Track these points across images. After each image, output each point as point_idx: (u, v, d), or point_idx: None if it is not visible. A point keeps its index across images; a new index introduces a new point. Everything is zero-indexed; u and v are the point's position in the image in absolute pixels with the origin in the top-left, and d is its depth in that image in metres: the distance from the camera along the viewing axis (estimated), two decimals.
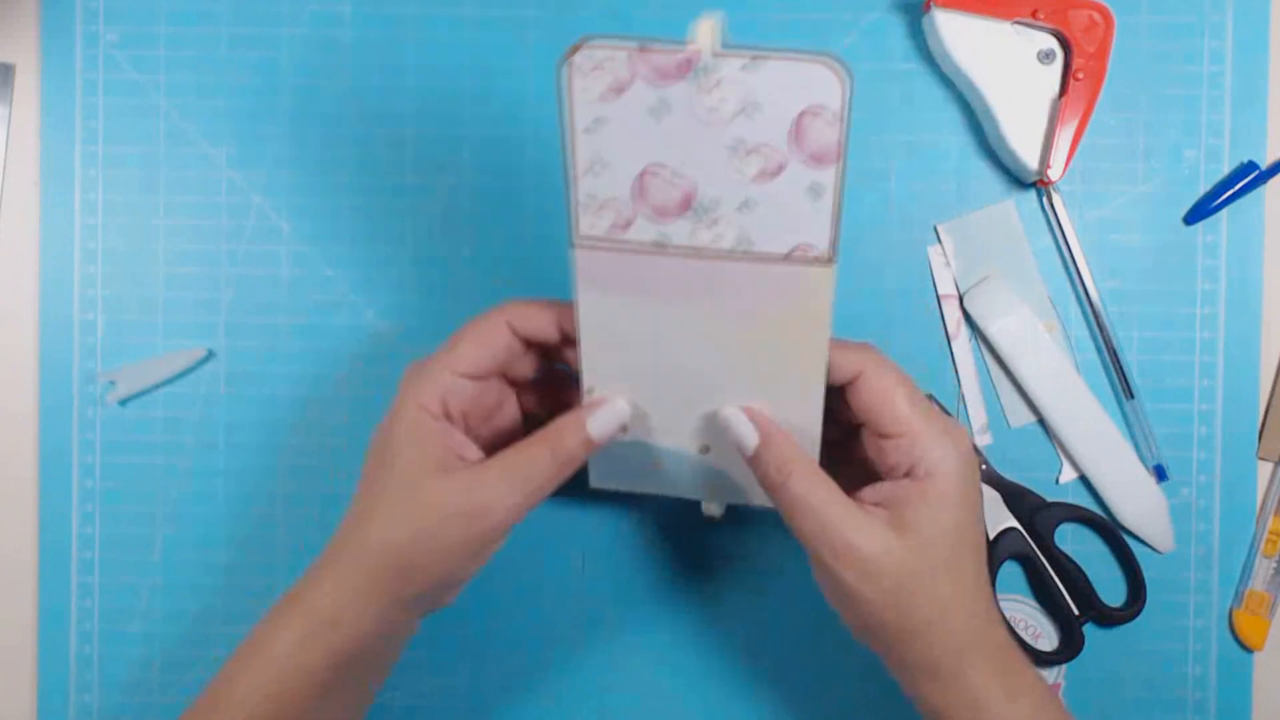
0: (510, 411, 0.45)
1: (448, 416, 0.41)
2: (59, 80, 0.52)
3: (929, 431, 0.40)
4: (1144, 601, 0.51)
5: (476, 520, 0.40)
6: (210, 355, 0.52)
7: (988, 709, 0.40)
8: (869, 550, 0.39)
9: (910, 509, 0.40)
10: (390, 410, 0.41)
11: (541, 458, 0.40)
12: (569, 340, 0.42)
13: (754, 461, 0.41)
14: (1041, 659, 0.51)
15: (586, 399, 0.42)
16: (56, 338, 0.52)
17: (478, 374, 0.41)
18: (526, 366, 0.44)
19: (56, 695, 0.52)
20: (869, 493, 0.41)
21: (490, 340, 0.41)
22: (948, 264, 0.52)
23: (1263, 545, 0.52)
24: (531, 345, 0.43)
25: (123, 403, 0.52)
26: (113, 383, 0.52)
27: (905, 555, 0.39)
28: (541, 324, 0.42)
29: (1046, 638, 0.52)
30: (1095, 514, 0.52)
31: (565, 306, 0.41)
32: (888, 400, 0.41)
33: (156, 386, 0.52)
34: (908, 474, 0.41)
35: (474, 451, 0.42)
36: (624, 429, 0.42)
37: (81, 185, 0.52)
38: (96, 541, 0.52)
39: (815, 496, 0.40)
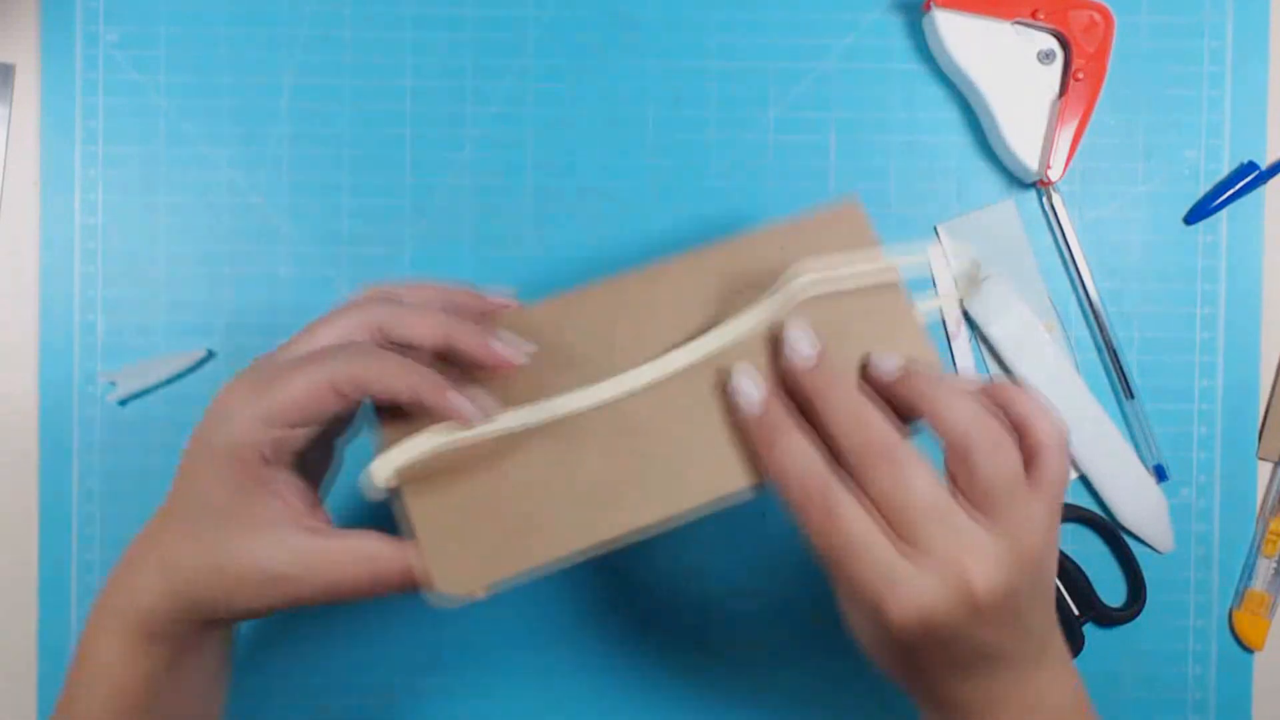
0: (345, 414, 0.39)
1: (271, 460, 0.37)
2: (59, 80, 0.52)
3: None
4: (1144, 601, 0.51)
5: (282, 590, 0.37)
6: (210, 355, 0.52)
7: None
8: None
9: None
10: (203, 438, 0.37)
11: (358, 574, 0.37)
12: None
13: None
14: None
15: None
16: (56, 338, 0.52)
17: (299, 425, 0.37)
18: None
19: (56, 695, 0.52)
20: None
21: (313, 401, 0.36)
22: (948, 264, 0.52)
23: (1263, 545, 0.52)
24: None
25: (123, 403, 0.52)
26: (113, 383, 0.52)
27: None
28: (378, 389, 0.36)
29: None
30: (1095, 514, 0.52)
31: (398, 372, 0.36)
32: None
33: (156, 386, 0.52)
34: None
35: (291, 489, 0.38)
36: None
37: (81, 185, 0.52)
38: (96, 541, 0.52)
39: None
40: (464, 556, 0.37)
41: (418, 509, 0.38)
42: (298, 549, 0.37)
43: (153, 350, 0.52)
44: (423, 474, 0.38)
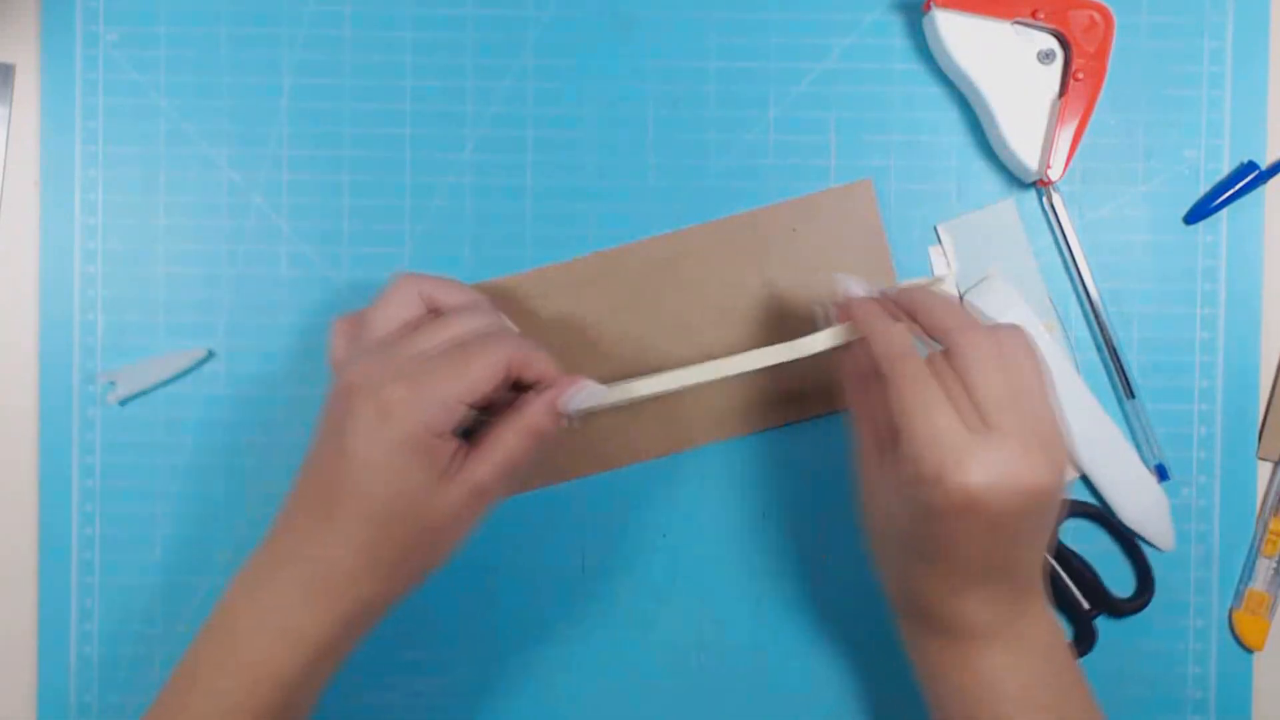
0: None
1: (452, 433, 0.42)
2: (59, 80, 0.52)
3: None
4: (1153, 590, 0.51)
5: (478, 502, 0.42)
6: (210, 355, 0.52)
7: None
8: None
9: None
10: (379, 432, 0.40)
11: (521, 443, 0.43)
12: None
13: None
14: None
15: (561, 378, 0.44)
16: (56, 338, 0.52)
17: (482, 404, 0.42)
18: None
19: (56, 695, 0.52)
20: None
21: (494, 382, 0.42)
22: (948, 264, 0.52)
23: (1263, 545, 0.52)
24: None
25: (123, 403, 0.52)
26: (113, 383, 0.52)
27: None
28: (537, 371, 0.43)
29: None
30: (1096, 507, 0.52)
31: (536, 356, 0.43)
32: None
33: (156, 386, 0.52)
34: None
35: (457, 445, 0.42)
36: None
37: (81, 185, 0.52)
38: (96, 541, 0.52)
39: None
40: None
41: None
42: (470, 481, 0.42)
43: (153, 350, 0.52)
44: None
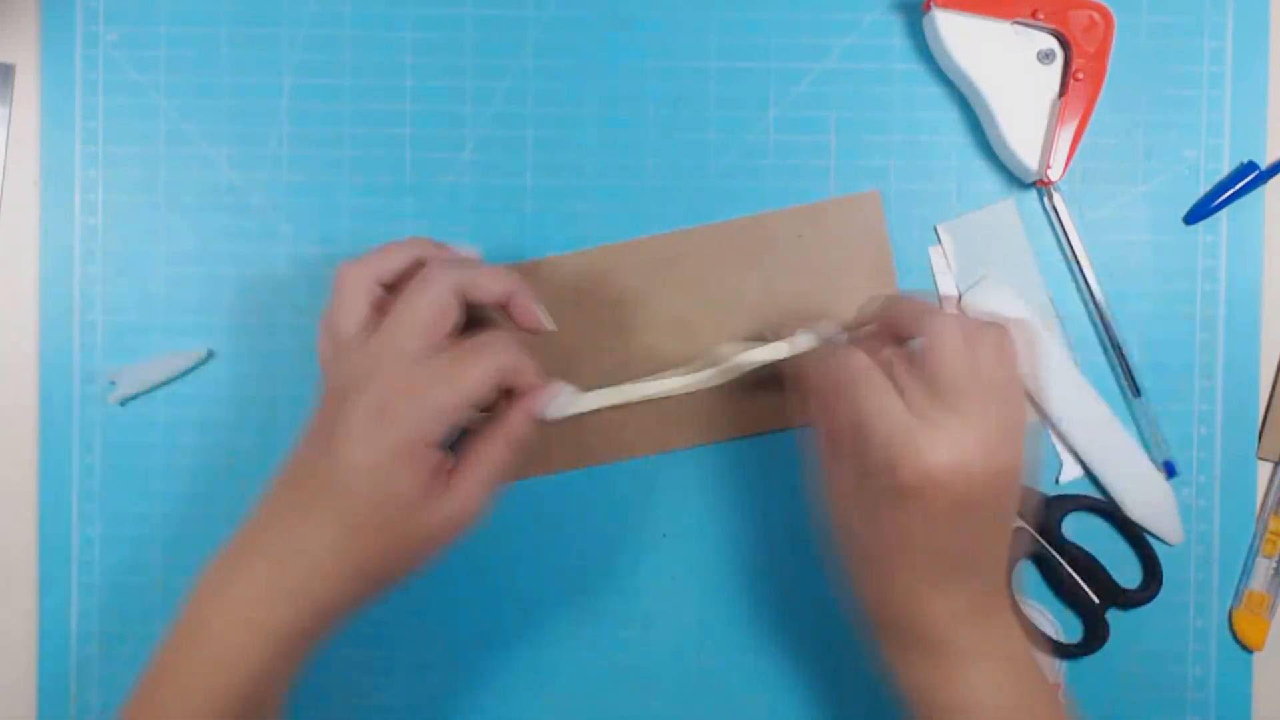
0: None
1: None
2: (59, 80, 0.52)
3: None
4: (1160, 580, 0.51)
5: (459, 524, 0.42)
6: (210, 355, 0.52)
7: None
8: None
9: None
10: (382, 437, 0.40)
11: (504, 456, 0.43)
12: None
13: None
14: (1068, 651, 0.52)
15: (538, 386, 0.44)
16: (56, 338, 0.52)
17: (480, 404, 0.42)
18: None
19: (56, 695, 0.52)
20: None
21: (490, 387, 0.42)
22: (948, 264, 0.52)
23: (1263, 545, 0.52)
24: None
25: (123, 403, 0.52)
26: (113, 383, 0.52)
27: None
28: (527, 378, 0.43)
29: (1067, 632, 0.52)
30: (1099, 500, 0.52)
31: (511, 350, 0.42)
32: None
33: (156, 386, 0.52)
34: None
35: (442, 457, 0.42)
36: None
37: (81, 185, 0.52)
38: (96, 541, 0.52)
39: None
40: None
41: None
42: (456, 500, 0.42)
43: (153, 350, 0.52)
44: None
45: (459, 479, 0.42)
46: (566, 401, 0.45)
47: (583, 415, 0.51)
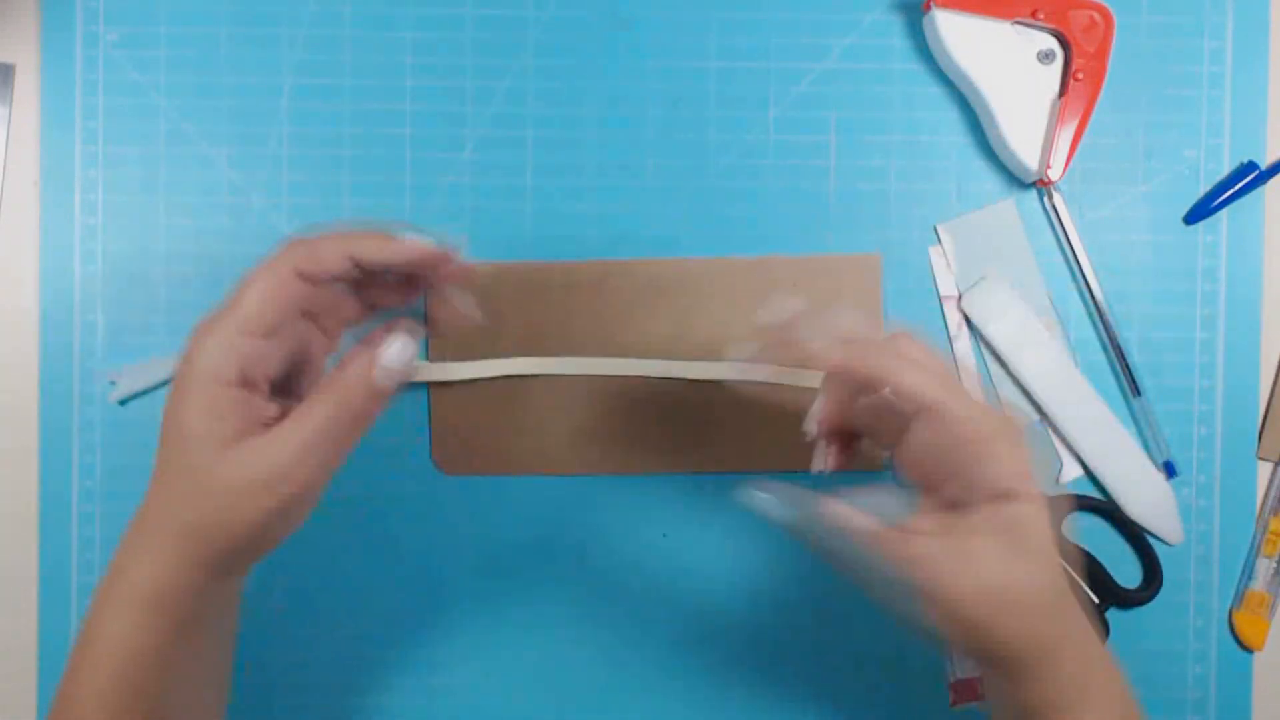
0: (322, 346, 0.42)
1: (245, 381, 0.38)
2: (59, 80, 0.52)
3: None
4: (1160, 580, 0.51)
5: (275, 488, 0.37)
6: None
7: None
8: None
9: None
10: (179, 379, 0.38)
11: (331, 414, 0.38)
12: (368, 272, 0.40)
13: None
14: None
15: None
16: (56, 338, 0.52)
17: (270, 330, 0.38)
18: (329, 298, 0.41)
19: None
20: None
21: (277, 294, 0.38)
22: (948, 264, 0.52)
23: (1263, 545, 0.52)
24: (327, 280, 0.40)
25: (123, 403, 0.52)
26: (113, 383, 0.52)
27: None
28: (332, 262, 0.39)
29: None
30: (1099, 500, 0.52)
31: (355, 236, 0.39)
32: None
33: (156, 386, 0.52)
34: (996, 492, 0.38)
35: (273, 411, 0.39)
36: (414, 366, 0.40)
37: (81, 185, 0.52)
38: (96, 541, 0.52)
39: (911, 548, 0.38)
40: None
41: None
42: (272, 437, 0.37)
43: (153, 350, 0.52)
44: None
45: (275, 432, 0.38)
46: (400, 355, 0.39)
47: (582, 428, 0.51)
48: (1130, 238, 0.53)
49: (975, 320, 0.52)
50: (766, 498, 0.41)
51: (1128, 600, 0.52)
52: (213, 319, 0.38)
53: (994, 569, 0.37)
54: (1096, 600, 0.52)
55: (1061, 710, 0.39)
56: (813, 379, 0.43)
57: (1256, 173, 0.52)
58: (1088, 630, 0.40)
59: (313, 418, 0.38)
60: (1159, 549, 0.52)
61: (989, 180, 0.53)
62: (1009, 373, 0.52)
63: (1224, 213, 0.52)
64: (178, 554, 0.38)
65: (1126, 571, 0.52)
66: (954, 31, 0.50)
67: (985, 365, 0.52)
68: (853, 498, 0.39)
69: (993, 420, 0.38)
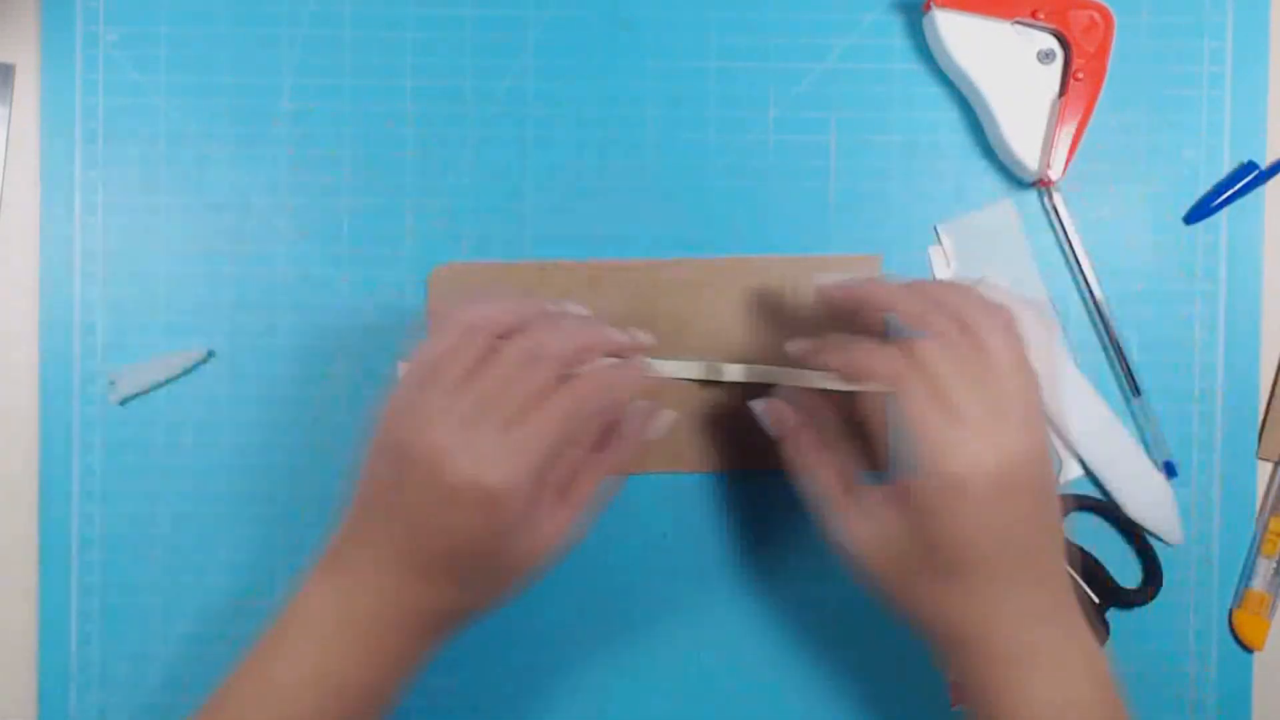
0: None
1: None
2: (59, 80, 0.52)
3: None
4: (1160, 580, 0.51)
5: (551, 556, 0.42)
6: (210, 355, 0.52)
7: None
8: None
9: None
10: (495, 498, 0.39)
11: (606, 485, 0.44)
12: None
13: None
14: None
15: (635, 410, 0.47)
16: (56, 338, 0.52)
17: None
18: None
19: (56, 695, 0.52)
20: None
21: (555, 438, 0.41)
22: (948, 264, 0.52)
23: (1263, 545, 0.52)
24: None
25: (123, 403, 0.52)
26: (113, 383, 0.52)
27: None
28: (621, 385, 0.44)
29: None
30: (1099, 499, 0.52)
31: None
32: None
33: (156, 386, 0.52)
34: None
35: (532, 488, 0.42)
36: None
37: (81, 185, 0.52)
38: (97, 541, 0.52)
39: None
40: None
41: None
42: (558, 520, 0.43)
43: (153, 350, 0.52)
44: None
45: (559, 510, 0.42)
46: (664, 421, 0.48)
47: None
48: (1130, 238, 0.53)
49: None
50: (760, 411, 0.48)
51: (1128, 600, 0.52)
52: (493, 430, 0.39)
53: (887, 536, 0.41)
54: (1097, 600, 0.52)
55: (1000, 674, 0.41)
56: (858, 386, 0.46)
57: (1256, 173, 0.52)
58: (1032, 597, 0.41)
59: (588, 492, 0.44)
60: (1159, 549, 0.52)
61: (989, 180, 0.53)
62: None
63: (1224, 213, 0.52)
64: (465, 615, 0.43)
65: (1126, 571, 0.52)
66: (954, 31, 0.50)
67: None
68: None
69: (910, 400, 0.40)
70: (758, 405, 0.48)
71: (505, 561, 0.41)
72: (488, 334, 0.41)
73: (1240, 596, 0.52)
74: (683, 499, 0.52)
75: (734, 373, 0.51)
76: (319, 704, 0.40)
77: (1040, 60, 0.51)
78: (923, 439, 0.39)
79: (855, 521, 0.43)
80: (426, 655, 0.43)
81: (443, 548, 0.40)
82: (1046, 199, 0.52)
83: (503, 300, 0.43)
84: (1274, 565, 0.52)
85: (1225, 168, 0.52)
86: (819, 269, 0.52)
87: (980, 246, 0.52)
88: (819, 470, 0.45)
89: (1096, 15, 0.50)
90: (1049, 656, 0.41)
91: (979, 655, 0.42)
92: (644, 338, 0.47)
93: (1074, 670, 0.41)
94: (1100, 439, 0.52)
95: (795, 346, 0.46)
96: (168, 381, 0.52)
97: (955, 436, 0.39)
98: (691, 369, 0.51)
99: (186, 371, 0.52)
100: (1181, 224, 0.53)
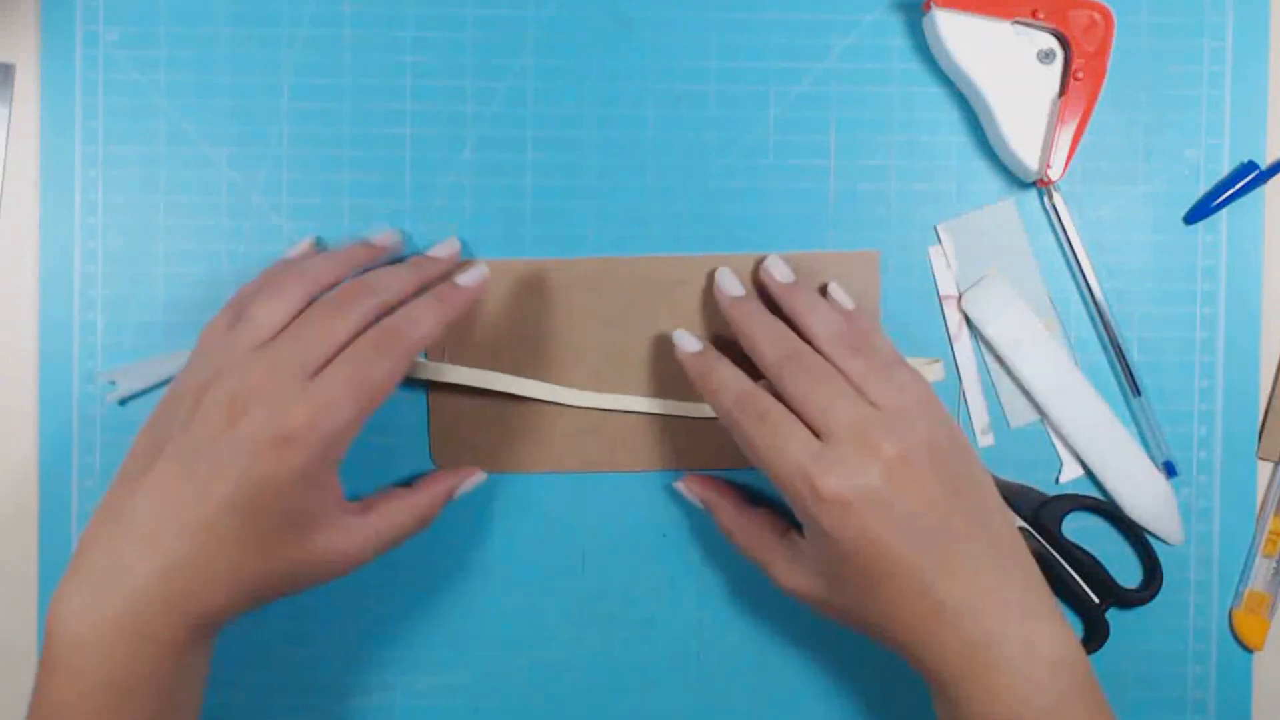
0: None
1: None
2: (59, 80, 0.52)
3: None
4: (1161, 579, 0.51)
5: (337, 570, 0.44)
6: None
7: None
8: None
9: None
10: (283, 445, 0.40)
11: (408, 522, 0.46)
12: None
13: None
14: None
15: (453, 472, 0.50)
16: (56, 338, 0.52)
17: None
18: None
19: None
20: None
21: (397, 383, 0.43)
22: (948, 264, 0.52)
23: (1263, 545, 0.52)
24: None
25: (123, 403, 0.52)
26: (113, 383, 0.52)
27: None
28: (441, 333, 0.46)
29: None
30: (1099, 499, 0.52)
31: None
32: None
33: (156, 386, 0.52)
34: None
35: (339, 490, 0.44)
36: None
37: (81, 185, 0.52)
38: None
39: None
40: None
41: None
42: (353, 528, 0.44)
43: (153, 350, 0.52)
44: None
45: (364, 523, 0.44)
46: (475, 482, 0.50)
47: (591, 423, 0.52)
48: (1130, 238, 0.53)
49: (975, 320, 0.52)
50: (683, 493, 0.51)
51: (1128, 600, 0.52)
52: (322, 403, 0.40)
53: (818, 573, 0.44)
54: (1097, 600, 0.52)
55: (950, 682, 0.41)
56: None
57: (1256, 173, 0.52)
58: (980, 601, 0.41)
59: (390, 521, 0.45)
60: (1159, 549, 0.52)
61: (989, 180, 0.53)
62: (1009, 373, 0.52)
63: (1224, 212, 0.52)
64: (229, 607, 0.42)
65: (1126, 571, 0.52)
66: (954, 31, 0.50)
67: (985, 365, 0.52)
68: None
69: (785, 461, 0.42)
70: (679, 487, 0.51)
71: (291, 536, 0.41)
72: (300, 291, 0.44)
73: (1240, 596, 0.52)
74: (682, 498, 0.52)
75: (625, 404, 0.52)
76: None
77: (1040, 60, 0.51)
78: (778, 471, 0.42)
79: (786, 568, 0.45)
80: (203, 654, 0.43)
81: (227, 493, 0.39)
82: (1047, 199, 0.52)
83: (316, 257, 0.47)
84: (1274, 565, 0.52)
85: (1225, 167, 0.52)
86: (817, 266, 0.52)
87: (980, 246, 0.52)
88: (747, 531, 0.47)
89: (1096, 15, 0.50)
90: (997, 652, 0.40)
91: (927, 666, 0.42)
92: (442, 251, 0.50)
93: (1029, 664, 0.40)
94: (1100, 439, 0.52)
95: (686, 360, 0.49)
96: (167, 381, 0.52)
97: (822, 455, 0.41)
98: (562, 394, 0.52)
99: None
100: (1181, 224, 0.53)
